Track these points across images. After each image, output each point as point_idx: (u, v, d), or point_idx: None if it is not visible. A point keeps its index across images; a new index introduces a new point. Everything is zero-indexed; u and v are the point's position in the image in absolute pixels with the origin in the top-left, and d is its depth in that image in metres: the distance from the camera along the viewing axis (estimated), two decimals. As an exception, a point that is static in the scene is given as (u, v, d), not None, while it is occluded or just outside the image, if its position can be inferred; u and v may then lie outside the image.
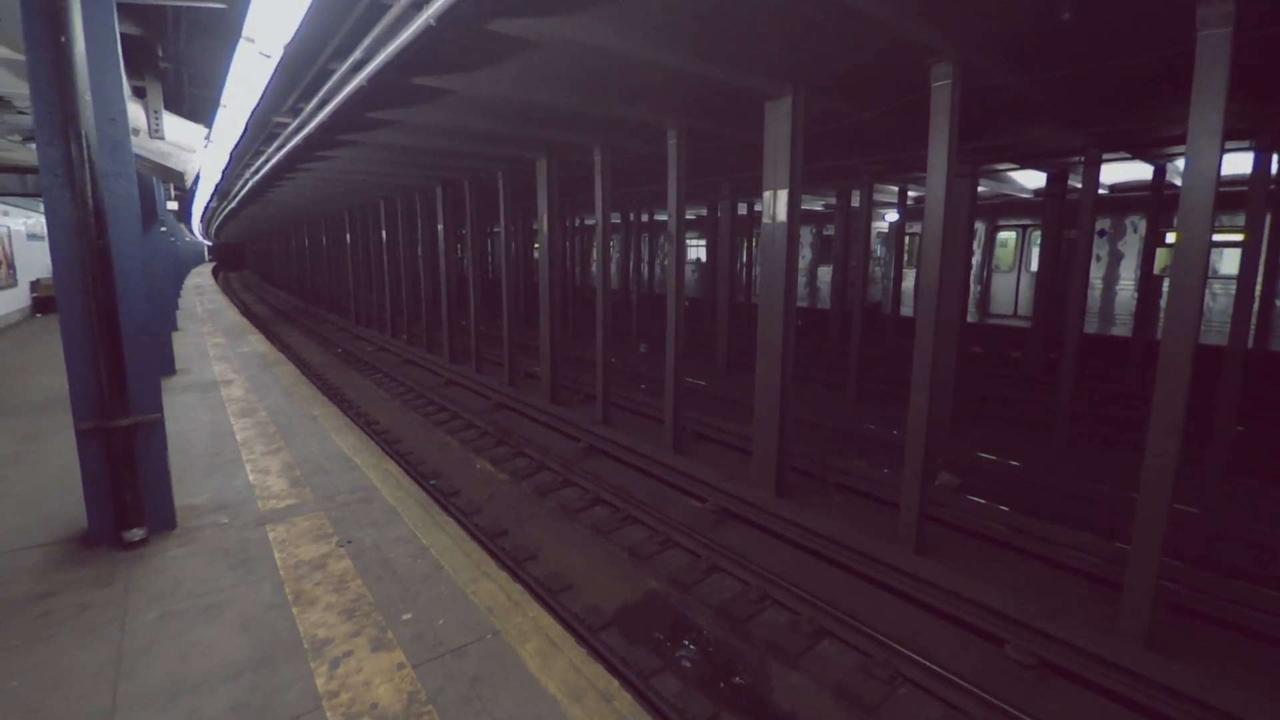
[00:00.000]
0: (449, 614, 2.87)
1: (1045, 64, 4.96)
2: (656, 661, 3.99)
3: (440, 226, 12.83)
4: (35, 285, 14.36)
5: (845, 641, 4.17)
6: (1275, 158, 6.82)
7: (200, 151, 6.84)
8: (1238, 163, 8.52)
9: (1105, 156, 8.02)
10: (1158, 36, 4.31)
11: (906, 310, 13.99)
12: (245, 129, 6.76)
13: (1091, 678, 3.69)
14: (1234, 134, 6.50)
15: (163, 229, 9.73)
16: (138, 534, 3.41)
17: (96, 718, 2.22)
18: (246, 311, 25.11)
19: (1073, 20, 3.95)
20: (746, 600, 4.66)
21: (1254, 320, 7.75)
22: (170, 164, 6.35)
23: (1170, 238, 10.57)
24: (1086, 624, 3.90)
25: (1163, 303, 10.17)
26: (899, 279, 13.68)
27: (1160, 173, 9.58)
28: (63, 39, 2.98)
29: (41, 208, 3.14)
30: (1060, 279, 11.24)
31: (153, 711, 2.25)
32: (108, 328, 3.21)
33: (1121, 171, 11.54)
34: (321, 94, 5.37)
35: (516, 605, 2.96)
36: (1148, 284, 10.39)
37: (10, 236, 12.91)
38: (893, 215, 14.77)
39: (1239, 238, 7.57)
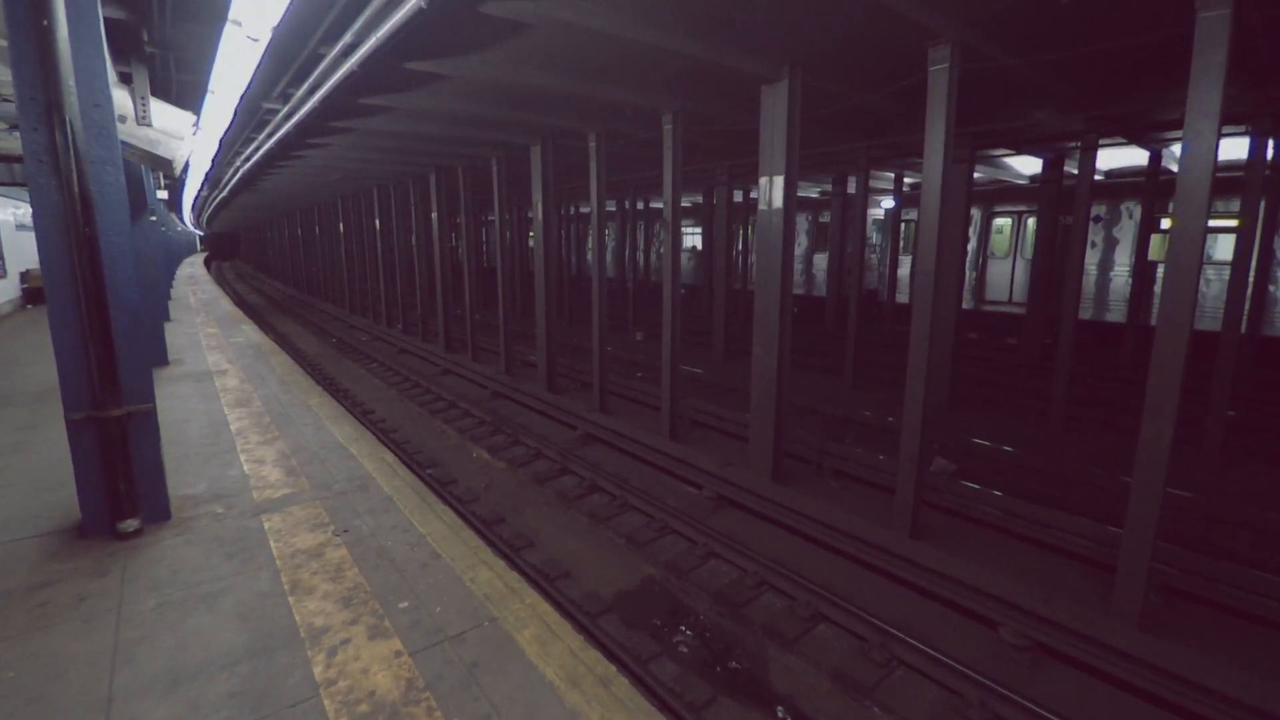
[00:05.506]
0: (446, 601, 2.87)
1: (1044, 46, 4.92)
2: (654, 646, 4.01)
3: (434, 214, 12.73)
4: (25, 276, 14.22)
5: (841, 626, 4.20)
6: (1271, 143, 6.81)
7: (189, 139, 6.74)
8: (1233, 148, 8.51)
9: (1102, 141, 7.98)
10: (1157, 17, 4.27)
11: (903, 297, 13.99)
12: (234, 115, 6.66)
13: (1085, 659, 3.73)
14: (1231, 118, 6.47)
15: (153, 218, 9.64)
16: (132, 524, 3.41)
17: (95, 706, 2.22)
18: (240, 301, 24.95)
19: (1072, 0, 3.91)
20: (743, 586, 4.69)
21: (1247, 305, 7.77)
22: (159, 151, 6.25)
23: (1165, 223, 10.58)
24: (1080, 606, 3.94)
25: (1158, 288, 10.23)
26: (895, 265, 13.67)
27: (1156, 158, 9.55)
28: (45, 23, 2.92)
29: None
30: (1056, 265, 11.24)
31: (151, 700, 2.25)
32: (97, 317, 3.18)
33: (1118, 157, 11.51)
34: (312, 79, 5.29)
35: (514, 592, 2.97)
36: (1143, 269, 10.40)
37: (-1, 226, 12.78)
38: (889, 202, 14.72)
39: (1234, 223, 7.57)
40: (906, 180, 14.20)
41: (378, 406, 9.90)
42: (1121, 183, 11.49)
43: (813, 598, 4.39)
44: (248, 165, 10.75)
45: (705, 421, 8.32)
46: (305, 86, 5.51)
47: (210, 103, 6.11)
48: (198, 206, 23.90)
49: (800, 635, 4.14)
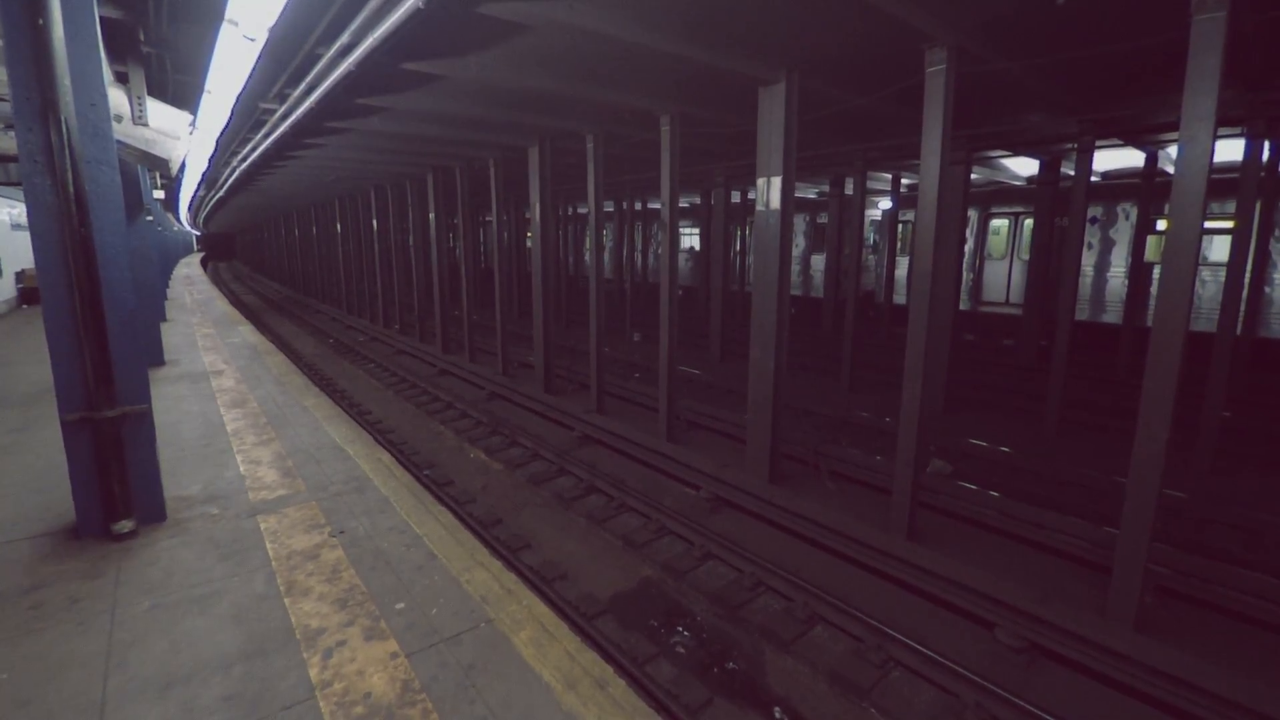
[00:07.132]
0: (443, 603, 2.87)
1: (1040, 49, 4.93)
2: (651, 648, 4.01)
3: (432, 215, 12.72)
4: (21, 276, 14.17)
5: (838, 627, 4.20)
6: (1267, 145, 6.83)
7: (185, 139, 6.72)
8: (1228, 150, 8.54)
9: (1098, 143, 8.01)
10: (1152, 21, 4.29)
11: (899, 298, 14.02)
12: (231, 115, 6.65)
13: (1080, 660, 3.74)
14: (1226, 121, 6.50)
15: (149, 218, 9.61)
16: (127, 526, 3.39)
17: (88, 709, 2.21)
18: (236, 302, 24.89)
19: (1067, 4, 3.92)
20: (740, 587, 4.69)
21: (1243, 307, 7.79)
22: (155, 151, 6.23)
23: (1161, 225, 10.62)
24: (1076, 607, 3.94)
25: (1153, 290, 10.28)
26: (892, 267, 13.70)
27: (1152, 160, 9.59)
28: (41, 22, 2.92)
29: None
30: (1052, 266, 11.27)
31: (144, 703, 2.24)
32: (92, 317, 3.17)
33: (1114, 159, 11.54)
34: (309, 79, 5.27)
35: (510, 594, 2.97)
36: (1139, 271, 10.43)
37: (-6, 226, 12.73)
38: (886, 203, 14.74)
39: (1229, 225, 7.61)
40: (904, 182, 14.23)
41: (375, 407, 9.88)
42: (1118, 184, 11.52)
43: (809, 599, 4.39)
44: (244, 165, 10.72)
45: (702, 423, 8.32)
46: (302, 86, 5.50)
47: (207, 102, 6.10)
48: (194, 206, 23.84)
49: (797, 637, 4.14)
